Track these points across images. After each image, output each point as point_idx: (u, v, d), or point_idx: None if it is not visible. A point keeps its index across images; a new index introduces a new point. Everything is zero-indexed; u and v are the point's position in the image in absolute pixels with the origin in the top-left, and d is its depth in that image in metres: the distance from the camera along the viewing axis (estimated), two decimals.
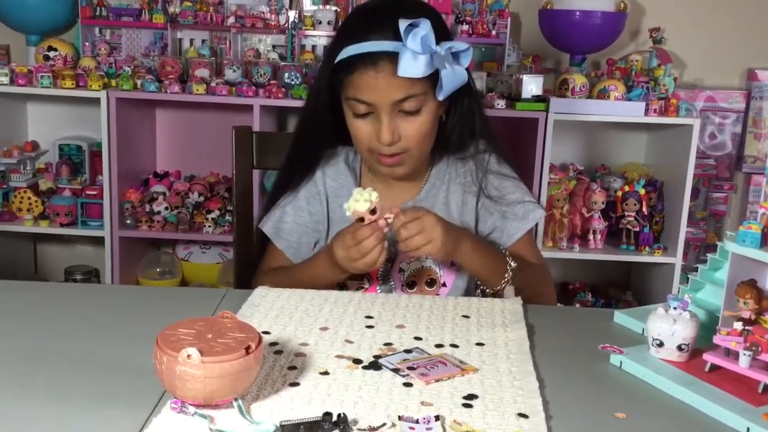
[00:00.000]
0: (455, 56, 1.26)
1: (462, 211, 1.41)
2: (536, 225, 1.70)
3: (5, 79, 2.68)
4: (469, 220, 1.41)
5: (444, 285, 1.39)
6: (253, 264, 1.49)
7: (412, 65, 1.21)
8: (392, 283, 1.39)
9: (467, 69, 1.30)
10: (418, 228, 1.19)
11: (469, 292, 1.40)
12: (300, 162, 1.42)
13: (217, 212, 2.86)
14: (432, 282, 1.39)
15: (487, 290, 1.33)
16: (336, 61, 1.28)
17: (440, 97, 1.27)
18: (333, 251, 1.24)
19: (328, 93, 1.33)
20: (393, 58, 1.23)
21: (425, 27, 1.20)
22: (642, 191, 2.71)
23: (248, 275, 1.48)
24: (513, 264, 1.31)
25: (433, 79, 1.25)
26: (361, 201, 1.17)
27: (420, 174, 1.42)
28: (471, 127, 1.38)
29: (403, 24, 1.20)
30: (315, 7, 2.95)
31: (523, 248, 1.41)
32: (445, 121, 1.37)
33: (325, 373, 0.93)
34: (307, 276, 1.31)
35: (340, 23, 2.78)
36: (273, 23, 2.91)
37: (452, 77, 1.26)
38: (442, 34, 1.27)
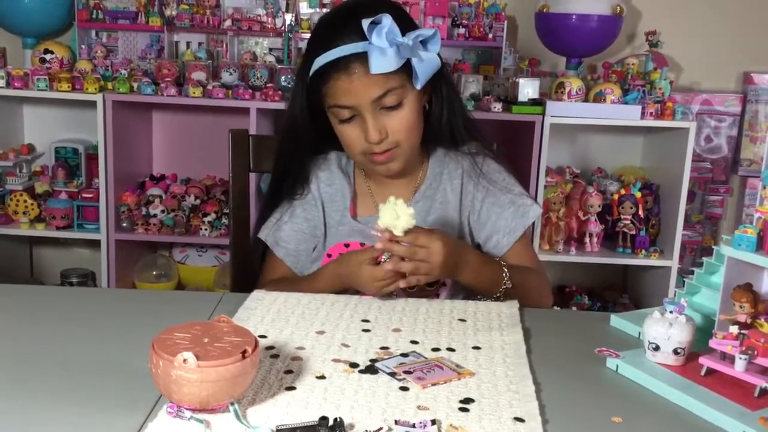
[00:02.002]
0: (424, 44, 1.29)
1: (461, 206, 1.41)
2: (533, 227, 1.70)
3: (1, 82, 2.68)
4: (469, 212, 1.41)
5: (444, 284, 1.39)
6: (249, 268, 1.49)
7: (383, 61, 1.24)
8: None
9: (439, 54, 1.32)
10: (422, 259, 1.21)
11: (470, 293, 1.40)
12: (288, 175, 1.43)
13: (214, 215, 2.85)
14: (432, 281, 1.39)
15: (482, 299, 1.34)
16: (310, 75, 1.31)
17: (418, 86, 1.30)
18: (354, 281, 1.25)
19: (307, 108, 1.36)
20: (362, 58, 1.25)
21: (387, 21, 1.23)
22: (638, 194, 2.71)
23: (245, 278, 1.48)
24: (509, 284, 1.31)
25: (408, 70, 1.28)
26: (402, 218, 1.18)
27: (414, 171, 1.43)
28: (455, 113, 1.39)
29: (365, 23, 1.23)
30: (311, 10, 2.94)
31: (522, 250, 1.41)
32: (430, 111, 1.38)
33: (322, 377, 0.93)
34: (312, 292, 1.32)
35: None
36: (270, 26, 2.91)
37: (425, 64, 1.28)
38: (407, 24, 1.29)
